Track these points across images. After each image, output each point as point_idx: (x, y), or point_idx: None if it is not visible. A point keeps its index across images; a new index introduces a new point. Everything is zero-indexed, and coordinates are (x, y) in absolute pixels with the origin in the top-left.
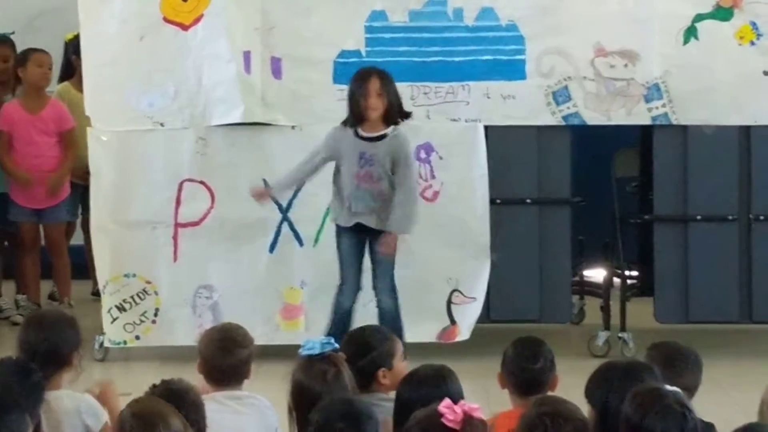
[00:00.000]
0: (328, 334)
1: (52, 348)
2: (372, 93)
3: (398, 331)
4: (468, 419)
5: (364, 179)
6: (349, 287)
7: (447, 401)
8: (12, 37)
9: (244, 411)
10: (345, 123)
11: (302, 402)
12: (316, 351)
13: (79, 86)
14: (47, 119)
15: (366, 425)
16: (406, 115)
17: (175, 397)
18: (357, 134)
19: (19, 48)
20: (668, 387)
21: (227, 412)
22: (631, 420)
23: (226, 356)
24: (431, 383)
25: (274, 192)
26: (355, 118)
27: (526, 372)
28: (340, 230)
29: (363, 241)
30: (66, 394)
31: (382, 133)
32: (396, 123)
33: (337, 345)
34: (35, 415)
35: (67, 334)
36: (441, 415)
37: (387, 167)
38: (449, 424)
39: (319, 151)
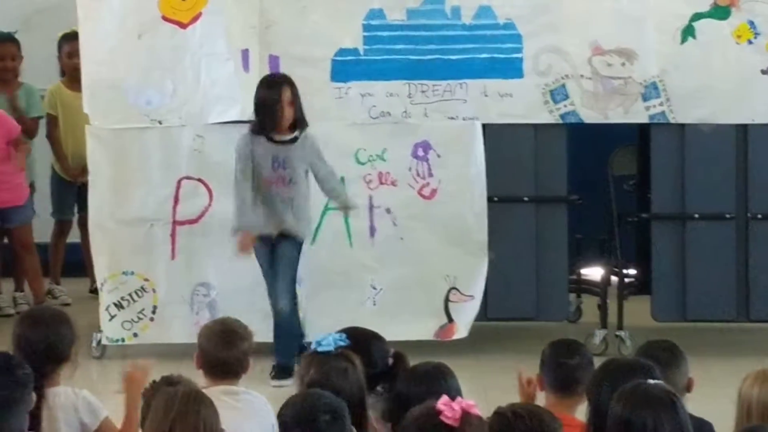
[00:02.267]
0: (276, 337)
1: (51, 345)
2: (285, 101)
3: (290, 348)
4: (466, 416)
5: (277, 183)
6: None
7: (445, 398)
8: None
9: (240, 407)
10: (254, 131)
11: None
12: (332, 347)
13: (70, 85)
14: None
15: (344, 416)
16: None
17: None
18: (270, 139)
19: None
20: (651, 381)
21: (223, 408)
22: (621, 417)
23: (229, 348)
24: (429, 380)
25: (256, 232)
26: (270, 124)
27: (563, 368)
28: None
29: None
30: (63, 391)
31: (293, 136)
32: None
33: (348, 341)
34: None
35: (64, 330)
36: (439, 412)
37: (303, 169)
38: (447, 421)
39: (243, 167)
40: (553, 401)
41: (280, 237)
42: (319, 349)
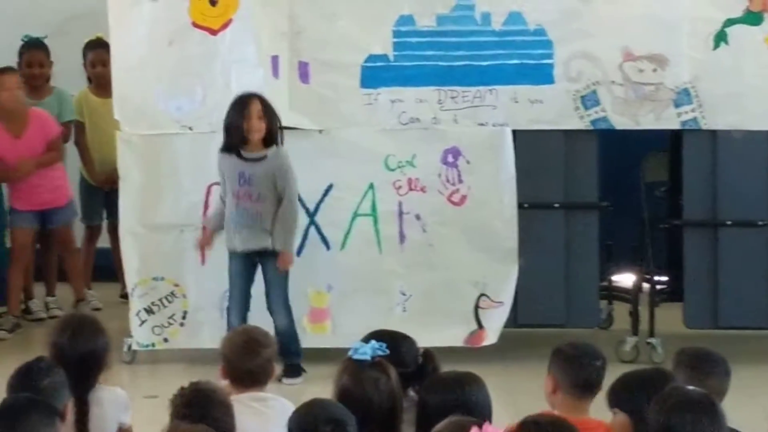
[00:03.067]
0: (279, 343)
1: (92, 355)
2: (254, 115)
3: (295, 350)
4: None
5: (243, 198)
6: (236, 308)
7: (475, 429)
8: (44, 41)
9: (269, 413)
10: (222, 149)
11: (348, 407)
12: (368, 356)
13: (96, 92)
14: (32, 138)
15: (347, 427)
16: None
17: (203, 397)
18: (239, 156)
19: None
20: (690, 387)
21: (251, 414)
22: (662, 423)
23: (252, 357)
24: (453, 389)
25: (211, 225)
26: (236, 142)
27: (589, 369)
28: (230, 254)
29: (253, 264)
30: (100, 388)
31: (263, 154)
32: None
33: (387, 351)
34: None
35: (101, 338)
36: None
37: (269, 187)
38: None
39: (221, 184)
40: (572, 403)
41: (262, 257)
42: (355, 356)
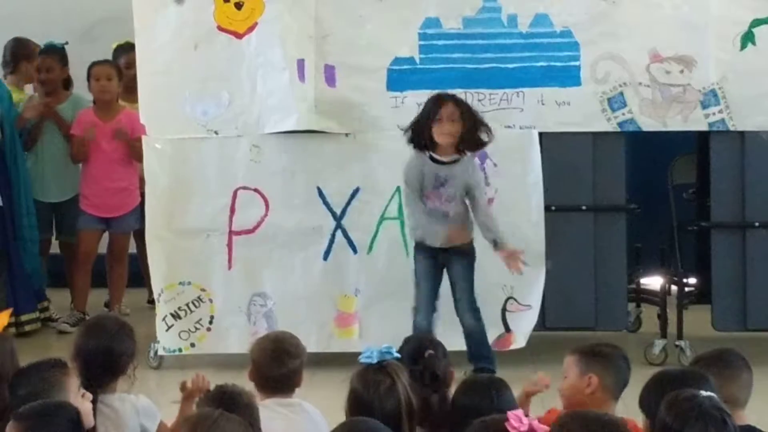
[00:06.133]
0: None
1: (110, 355)
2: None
3: (486, 352)
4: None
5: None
6: (424, 309)
7: (519, 411)
8: (69, 46)
9: (296, 418)
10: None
11: (356, 410)
12: (373, 360)
13: (126, 96)
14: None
15: None
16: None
17: (229, 400)
18: (432, 158)
19: (74, 57)
20: (703, 392)
21: (279, 419)
22: (670, 427)
23: (278, 366)
24: (484, 392)
25: None
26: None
27: (627, 369)
28: (419, 248)
29: (439, 263)
30: (120, 397)
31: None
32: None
33: (397, 354)
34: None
35: (125, 342)
36: (506, 420)
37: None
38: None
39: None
40: (609, 402)
41: (452, 254)
42: (361, 360)
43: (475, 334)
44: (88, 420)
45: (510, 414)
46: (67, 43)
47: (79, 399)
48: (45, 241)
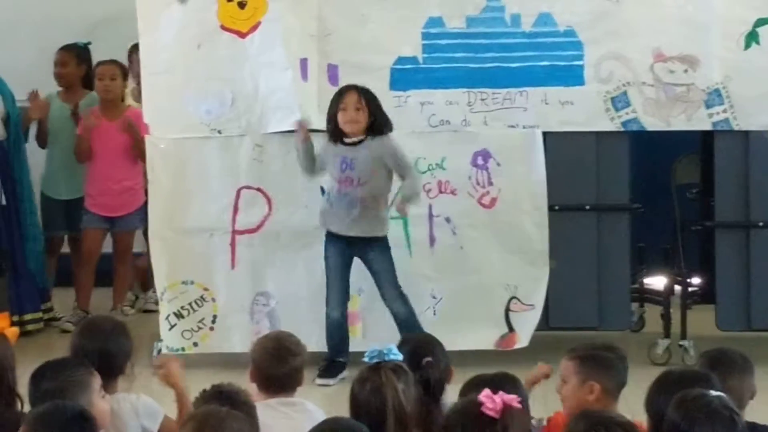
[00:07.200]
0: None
1: (106, 356)
2: (350, 106)
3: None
4: (507, 409)
5: (344, 183)
6: (334, 298)
7: (487, 391)
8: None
9: (298, 417)
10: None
11: (351, 408)
12: (373, 360)
13: (139, 97)
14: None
15: None
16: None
17: (226, 398)
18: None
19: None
20: (713, 392)
21: (281, 418)
22: (679, 427)
23: (280, 365)
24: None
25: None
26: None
27: (625, 370)
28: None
29: (351, 253)
30: (121, 397)
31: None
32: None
33: (399, 356)
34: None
35: (120, 342)
36: (480, 404)
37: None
38: (488, 413)
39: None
40: (610, 405)
41: (365, 244)
42: (364, 359)
43: (408, 321)
44: (105, 422)
45: (481, 397)
46: (90, 43)
47: (100, 399)
48: (56, 238)
